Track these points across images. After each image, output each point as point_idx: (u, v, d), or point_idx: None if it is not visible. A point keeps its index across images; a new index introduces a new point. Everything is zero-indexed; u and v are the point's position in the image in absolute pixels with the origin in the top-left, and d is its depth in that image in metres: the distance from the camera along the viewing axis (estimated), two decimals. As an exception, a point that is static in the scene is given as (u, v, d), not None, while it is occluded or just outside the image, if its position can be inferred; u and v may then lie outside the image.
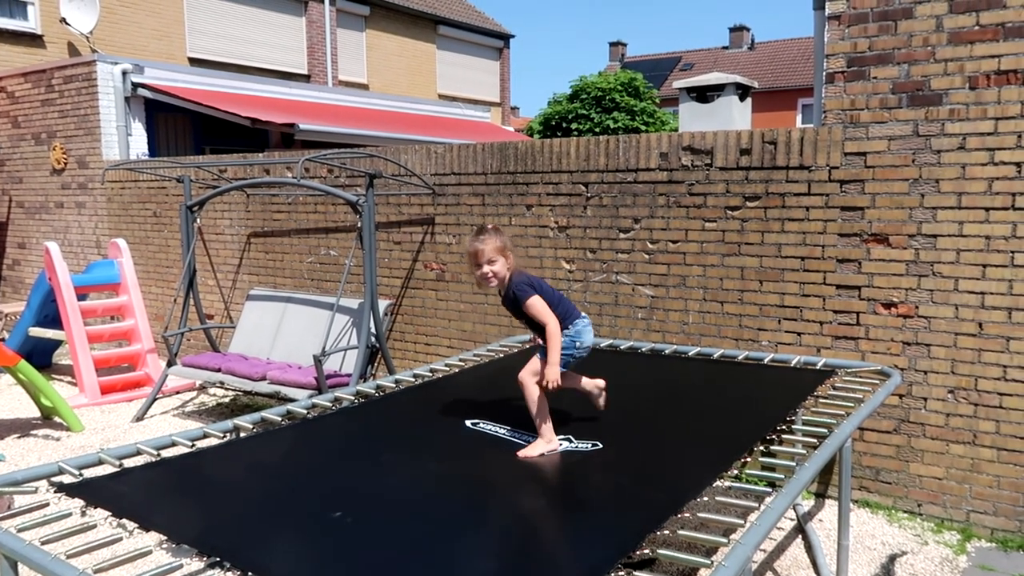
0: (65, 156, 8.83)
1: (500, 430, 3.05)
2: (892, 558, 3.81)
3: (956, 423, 4.08)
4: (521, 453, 2.78)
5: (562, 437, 2.91)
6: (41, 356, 7.71)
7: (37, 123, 9.15)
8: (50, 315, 7.20)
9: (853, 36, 4.17)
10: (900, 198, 4.12)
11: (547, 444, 2.79)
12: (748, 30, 36.14)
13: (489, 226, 2.88)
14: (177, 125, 10.42)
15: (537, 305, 2.79)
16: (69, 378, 7.37)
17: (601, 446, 2.87)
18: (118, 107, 8.66)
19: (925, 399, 4.16)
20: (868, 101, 4.16)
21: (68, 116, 8.81)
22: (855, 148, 4.22)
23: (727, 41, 36.83)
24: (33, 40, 12.41)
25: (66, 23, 12.44)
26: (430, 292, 6.06)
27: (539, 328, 2.85)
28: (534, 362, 2.84)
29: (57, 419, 6.03)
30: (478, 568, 1.99)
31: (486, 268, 2.80)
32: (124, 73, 8.75)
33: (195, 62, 14.43)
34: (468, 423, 3.14)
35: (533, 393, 2.80)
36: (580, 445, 2.87)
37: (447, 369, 4.08)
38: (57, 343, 7.74)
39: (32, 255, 9.45)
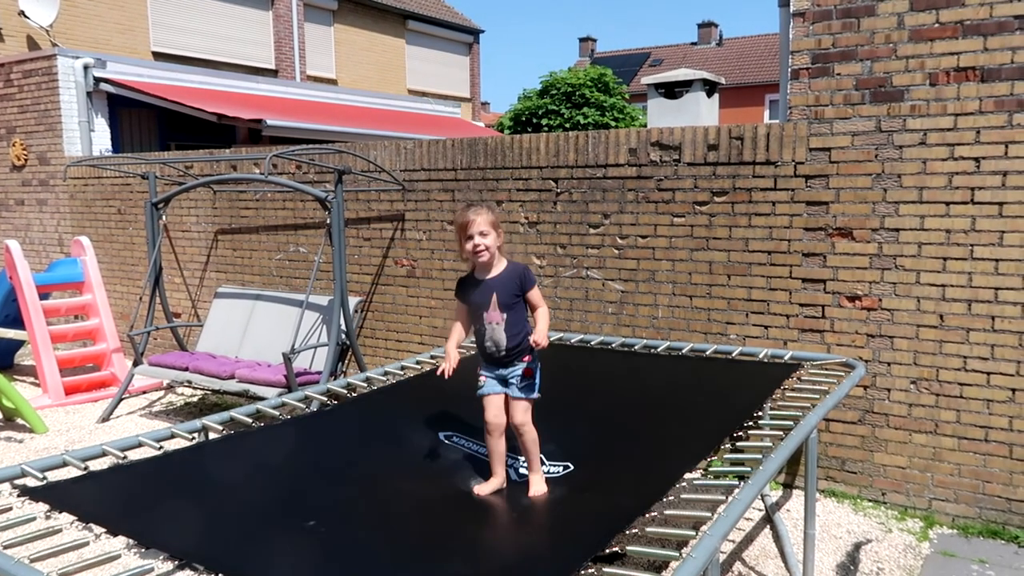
0: (25, 152, 8.65)
1: (472, 445, 3.00)
2: (857, 546, 3.89)
3: (918, 413, 4.17)
4: (533, 493, 2.62)
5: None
6: (2, 357, 7.55)
7: (-4, 119, 8.94)
8: (11, 315, 7.05)
9: (817, 33, 4.22)
10: (863, 193, 4.19)
11: (542, 481, 2.68)
12: (716, 26, 36.43)
13: (482, 203, 2.75)
14: (141, 121, 10.24)
15: (539, 291, 2.77)
16: (32, 379, 7.22)
17: (572, 467, 2.82)
18: (80, 102, 8.49)
19: (888, 390, 4.24)
20: (832, 97, 4.23)
21: (28, 111, 8.62)
22: (820, 143, 4.28)
23: (696, 37, 37.09)
24: (-10, 33, 12.11)
25: (25, 16, 12.16)
26: (401, 288, 6.04)
27: (514, 310, 2.68)
28: (518, 406, 2.68)
29: (20, 421, 5.91)
30: (449, 567, 2.00)
31: (479, 240, 2.65)
32: (86, 67, 8.58)
33: (159, 56, 14.20)
34: (441, 435, 3.10)
35: (534, 435, 2.67)
36: (552, 470, 2.82)
37: (418, 366, 4.07)
38: (19, 343, 7.58)
39: (-8, 254, 9.24)
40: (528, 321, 2.75)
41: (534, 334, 2.66)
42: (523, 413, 2.66)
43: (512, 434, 2.70)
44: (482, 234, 2.66)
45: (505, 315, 2.67)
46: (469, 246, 2.67)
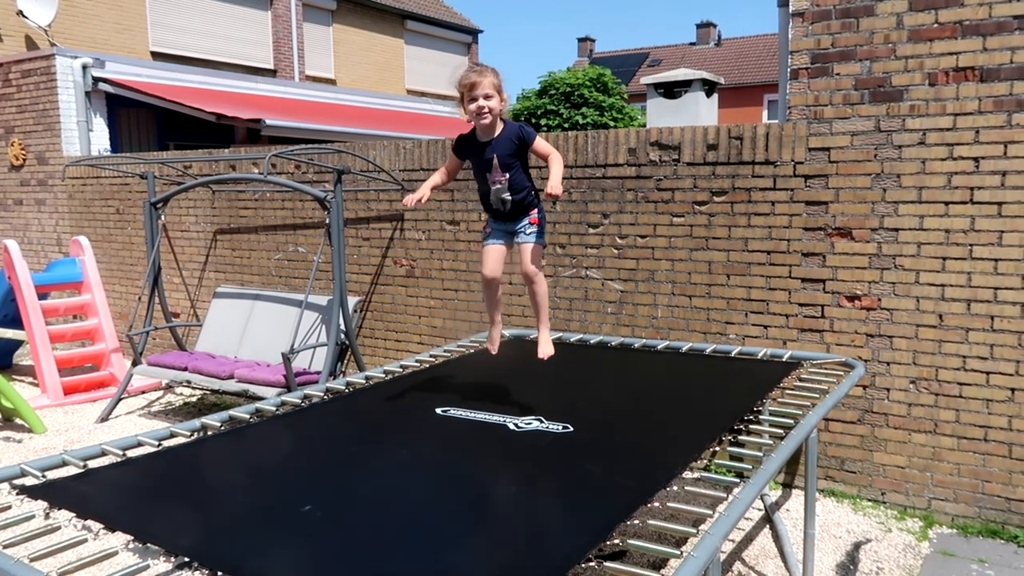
0: (24, 152, 8.64)
1: (471, 414, 3.06)
2: (857, 546, 3.89)
3: (918, 413, 4.17)
4: (543, 353, 2.93)
5: (533, 418, 2.93)
6: (1, 357, 7.55)
7: (-6, 118, 8.93)
8: (10, 315, 7.04)
9: (816, 33, 4.23)
10: (863, 192, 4.20)
11: (549, 337, 2.99)
12: (715, 26, 36.43)
13: (486, 65, 2.82)
14: (140, 120, 10.24)
15: (543, 140, 2.89)
16: (31, 379, 7.22)
17: (572, 429, 2.91)
18: (78, 102, 8.48)
19: (888, 390, 4.24)
20: (831, 97, 4.23)
21: (26, 111, 8.61)
22: (819, 143, 4.28)
23: (694, 37, 37.09)
24: (-11, 33, 12.10)
25: (23, 16, 12.15)
26: (400, 288, 6.04)
27: (514, 169, 2.81)
28: (530, 249, 2.85)
29: (18, 420, 5.90)
30: (449, 559, 1.99)
31: (482, 102, 2.71)
32: (84, 67, 8.57)
33: (157, 56, 14.18)
34: (438, 411, 3.15)
35: (545, 286, 2.89)
36: (551, 426, 2.90)
37: (417, 365, 4.07)
38: (18, 343, 7.57)
39: (-10, 253, 9.22)
40: (530, 177, 2.87)
41: (548, 186, 2.72)
42: (535, 259, 2.84)
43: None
44: (486, 96, 2.71)
45: (507, 175, 2.79)
46: (473, 107, 2.73)
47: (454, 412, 3.16)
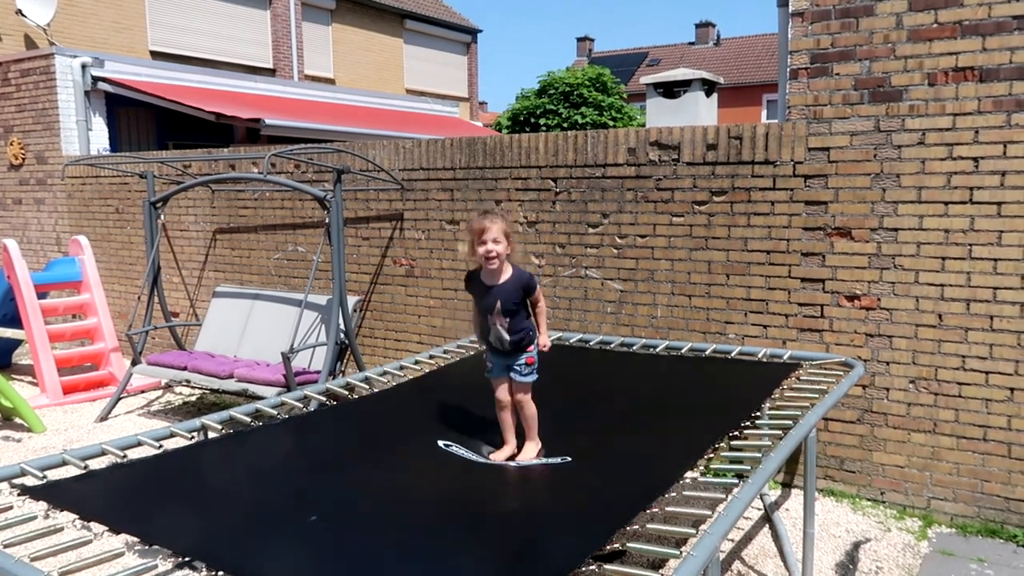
0: (23, 151, 8.63)
1: (471, 455, 2.98)
2: (856, 545, 3.89)
3: (917, 412, 4.18)
4: (520, 458, 2.91)
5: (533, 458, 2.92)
6: (0, 356, 7.54)
7: (-7, 118, 8.93)
8: (9, 314, 7.03)
9: (816, 33, 4.23)
10: (862, 192, 4.20)
11: (537, 446, 2.96)
12: (714, 26, 36.44)
13: (497, 209, 2.90)
14: (139, 120, 10.23)
15: (540, 289, 3.01)
16: (30, 378, 7.21)
17: (570, 459, 2.84)
18: (78, 101, 8.48)
19: (887, 389, 4.25)
20: (831, 97, 4.23)
21: (26, 110, 8.61)
22: (818, 143, 4.29)
23: (693, 37, 37.09)
24: (-12, 32, 12.08)
25: (22, 15, 12.14)
26: (399, 288, 6.04)
27: (516, 315, 2.91)
28: (522, 386, 2.96)
29: (18, 420, 5.90)
30: (450, 564, 2.00)
31: (491, 245, 2.82)
32: (84, 66, 8.56)
33: (157, 55, 14.17)
34: (441, 443, 3.04)
35: (534, 409, 2.95)
36: (551, 460, 2.86)
37: (416, 366, 4.07)
38: (17, 342, 7.57)
39: (-11, 253, 9.21)
40: (530, 320, 2.97)
41: (540, 339, 2.97)
42: (524, 393, 2.95)
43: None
44: (495, 241, 2.83)
45: (508, 319, 2.90)
46: (482, 250, 2.84)
47: (456, 450, 3.04)
